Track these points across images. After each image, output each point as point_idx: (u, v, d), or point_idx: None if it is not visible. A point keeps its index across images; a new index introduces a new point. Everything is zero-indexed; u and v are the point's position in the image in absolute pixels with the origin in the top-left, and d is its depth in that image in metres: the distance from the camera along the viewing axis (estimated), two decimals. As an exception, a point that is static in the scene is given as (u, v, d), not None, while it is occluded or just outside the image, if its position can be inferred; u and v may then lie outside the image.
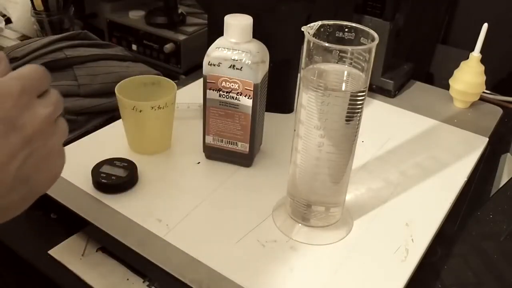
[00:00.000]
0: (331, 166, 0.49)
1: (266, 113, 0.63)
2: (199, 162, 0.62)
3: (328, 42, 0.43)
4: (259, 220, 0.54)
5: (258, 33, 0.67)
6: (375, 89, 0.78)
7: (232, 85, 0.56)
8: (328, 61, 0.44)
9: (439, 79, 0.86)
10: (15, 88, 0.31)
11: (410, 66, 0.83)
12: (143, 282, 0.50)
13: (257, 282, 0.47)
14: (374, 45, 0.43)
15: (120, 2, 1.01)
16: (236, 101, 0.57)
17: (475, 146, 0.69)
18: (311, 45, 0.44)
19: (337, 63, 0.44)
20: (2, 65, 0.32)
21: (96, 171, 0.57)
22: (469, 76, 0.74)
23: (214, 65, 0.55)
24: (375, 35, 0.44)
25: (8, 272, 0.58)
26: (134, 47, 0.96)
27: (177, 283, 0.47)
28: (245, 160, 0.61)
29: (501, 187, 0.65)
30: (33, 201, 0.35)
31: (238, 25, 0.55)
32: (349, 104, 0.45)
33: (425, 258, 0.52)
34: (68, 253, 0.52)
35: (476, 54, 0.74)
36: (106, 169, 0.57)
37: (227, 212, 0.55)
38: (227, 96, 0.57)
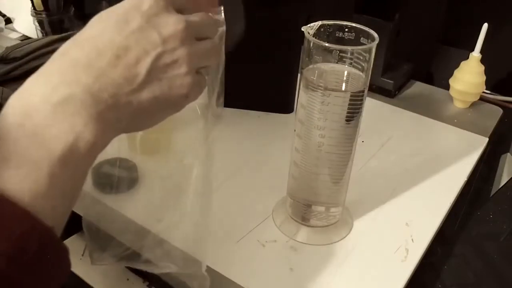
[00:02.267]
0: (331, 166, 0.49)
1: (266, 113, 0.63)
2: (199, 162, 0.62)
3: (328, 42, 0.43)
4: (259, 220, 0.54)
5: (258, 33, 0.67)
6: (375, 89, 0.78)
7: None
8: (328, 61, 0.44)
9: (439, 79, 0.86)
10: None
11: (410, 66, 0.83)
12: (143, 282, 0.50)
13: (257, 282, 0.47)
14: (374, 45, 0.43)
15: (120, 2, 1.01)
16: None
17: (475, 146, 0.69)
18: (311, 45, 0.44)
19: (337, 63, 0.44)
20: None
21: (96, 171, 0.57)
22: (469, 76, 0.74)
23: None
24: (375, 35, 0.44)
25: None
26: (134, 47, 0.96)
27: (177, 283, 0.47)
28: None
29: (501, 187, 0.65)
30: (165, 110, 0.37)
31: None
32: (349, 104, 0.45)
33: (425, 258, 0.52)
34: (68, 253, 0.52)
35: (476, 54, 0.74)
36: (106, 169, 0.57)
37: (227, 212, 0.55)
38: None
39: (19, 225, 0.27)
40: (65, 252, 0.30)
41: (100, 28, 0.33)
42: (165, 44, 0.34)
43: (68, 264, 0.30)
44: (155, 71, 0.34)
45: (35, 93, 0.30)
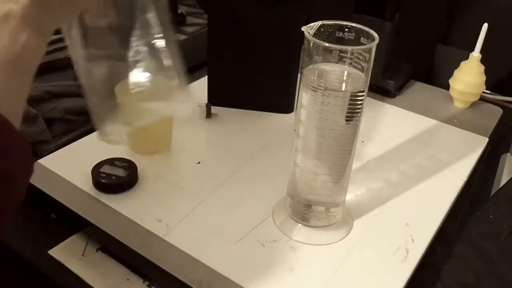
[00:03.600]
0: (331, 166, 0.49)
1: (266, 113, 0.63)
2: (199, 162, 0.62)
3: (328, 42, 0.43)
4: (259, 220, 0.54)
5: (258, 33, 0.67)
6: (375, 89, 0.78)
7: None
8: (328, 61, 0.44)
9: (439, 79, 0.86)
10: None
11: (410, 66, 0.83)
12: (143, 282, 0.50)
13: (257, 282, 0.47)
14: (374, 45, 0.43)
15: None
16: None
17: (475, 146, 0.69)
18: (311, 45, 0.44)
19: (337, 63, 0.44)
20: None
21: (96, 171, 0.57)
22: (469, 76, 0.74)
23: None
24: (375, 35, 0.44)
25: (8, 272, 0.58)
26: (134, 47, 0.96)
27: (177, 283, 0.47)
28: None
29: (501, 187, 0.65)
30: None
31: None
32: (349, 104, 0.45)
33: (425, 258, 0.52)
34: (68, 253, 0.52)
35: (476, 54, 0.74)
36: (106, 169, 0.57)
37: (227, 212, 0.55)
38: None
39: None
40: (23, 137, 0.33)
41: None
42: None
43: (27, 146, 0.33)
44: None
45: None
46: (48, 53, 0.74)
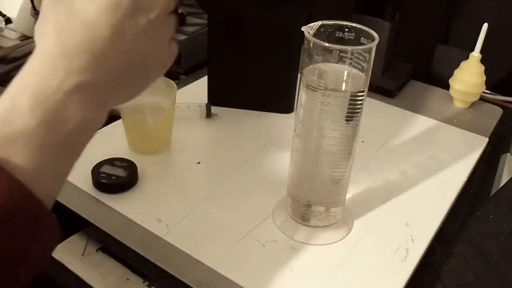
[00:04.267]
0: (331, 166, 0.49)
1: (266, 113, 0.63)
2: (199, 162, 0.62)
3: (328, 42, 0.43)
4: (259, 220, 0.54)
5: (258, 33, 0.67)
6: (375, 89, 0.78)
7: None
8: (328, 61, 0.44)
9: (439, 79, 0.86)
10: None
11: (410, 66, 0.83)
12: (143, 282, 0.50)
13: (257, 282, 0.47)
14: (374, 45, 0.43)
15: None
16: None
17: (475, 146, 0.69)
18: (311, 45, 0.44)
19: (337, 63, 0.44)
20: None
21: (96, 171, 0.57)
22: (469, 76, 0.74)
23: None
24: (375, 35, 0.44)
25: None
26: (134, 47, 0.96)
27: (177, 283, 0.47)
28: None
29: (501, 187, 0.65)
30: (148, 84, 0.38)
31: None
32: (349, 104, 0.45)
33: (425, 258, 0.52)
34: (68, 253, 0.52)
35: (476, 54, 0.74)
36: (106, 169, 0.57)
37: (227, 212, 0.55)
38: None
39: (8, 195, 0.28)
40: (53, 220, 0.31)
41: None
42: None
43: (55, 230, 0.32)
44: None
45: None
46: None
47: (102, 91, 0.33)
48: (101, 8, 0.32)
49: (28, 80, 0.31)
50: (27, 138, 0.29)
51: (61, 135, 0.31)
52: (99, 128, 0.35)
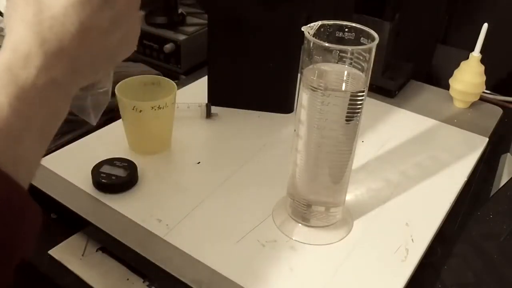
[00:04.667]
0: (331, 166, 0.49)
1: (266, 113, 0.63)
2: (199, 162, 0.62)
3: (328, 42, 0.43)
4: (259, 220, 0.54)
5: (258, 33, 0.67)
6: (375, 89, 0.78)
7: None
8: (328, 61, 0.44)
9: (439, 79, 0.86)
10: None
11: (410, 66, 0.83)
12: (143, 282, 0.50)
13: (257, 282, 0.47)
14: (374, 45, 0.43)
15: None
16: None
17: (475, 146, 0.69)
18: (311, 45, 0.44)
19: (337, 63, 0.44)
20: None
21: (96, 171, 0.57)
22: (469, 76, 0.74)
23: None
24: (375, 35, 0.44)
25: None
26: (134, 47, 0.96)
27: (177, 283, 0.47)
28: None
29: (501, 187, 0.65)
30: (114, 66, 0.40)
31: None
32: (349, 104, 0.45)
33: (425, 258, 0.52)
34: (68, 253, 0.52)
35: (476, 54, 0.74)
36: (106, 169, 0.57)
37: (227, 212, 0.55)
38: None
39: None
40: (36, 208, 0.32)
41: None
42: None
43: (38, 218, 0.32)
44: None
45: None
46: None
47: (70, 83, 0.35)
48: (69, 4, 0.33)
49: (3, 76, 0.32)
50: (7, 132, 0.31)
51: (37, 127, 0.32)
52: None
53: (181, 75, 0.91)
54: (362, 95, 0.45)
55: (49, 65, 0.32)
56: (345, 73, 0.45)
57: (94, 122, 0.45)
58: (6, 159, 0.30)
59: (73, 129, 0.71)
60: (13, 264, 0.31)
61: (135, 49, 0.41)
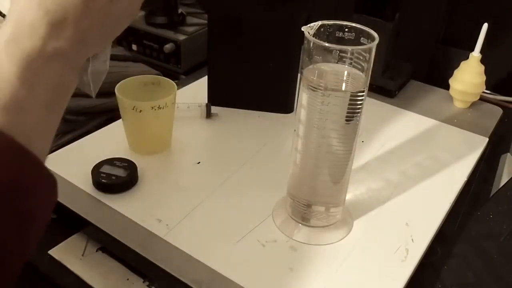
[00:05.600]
0: (331, 166, 0.49)
1: (266, 113, 0.63)
2: (199, 162, 0.62)
3: (328, 42, 0.43)
4: (259, 220, 0.54)
5: (258, 33, 0.67)
6: (375, 89, 0.78)
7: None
8: (328, 61, 0.44)
9: (439, 79, 0.86)
10: None
11: (410, 66, 0.83)
12: (143, 282, 0.50)
13: (257, 282, 0.47)
14: (374, 45, 0.43)
15: None
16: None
17: (475, 146, 0.69)
18: (311, 45, 0.44)
19: (337, 63, 0.44)
20: None
21: (96, 171, 0.57)
22: (469, 76, 0.74)
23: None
24: (375, 35, 0.44)
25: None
26: (134, 47, 0.96)
27: (177, 283, 0.47)
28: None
29: (501, 187, 0.65)
30: (117, 35, 0.39)
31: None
32: (349, 104, 0.45)
33: (425, 258, 0.52)
34: (68, 253, 0.52)
35: (476, 54, 0.74)
36: (106, 169, 0.57)
37: (227, 212, 0.55)
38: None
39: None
40: (52, 180, 0.32)
41: None
42: None
43: (55, 191, 0.32)
44: None
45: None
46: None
47: (76, 54, 0.34)
48: None
49: (10, 46, 0.32)
50: (19, 105, 0.31)
51: (45, 98, 0.32)
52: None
53: (181, 75, 0.91)
54: (362, 95, 0.45)
55: (54, 35, 0.32)
56: (345, 73, 0.45)
57: (93, 94, 0.44)
58: (18, 130, 0.30)
59: (73, 129, 0.71)
60: (33, 238, 0.31)
61: (137, 15, 0.40)
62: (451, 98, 0.78)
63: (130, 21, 0.39)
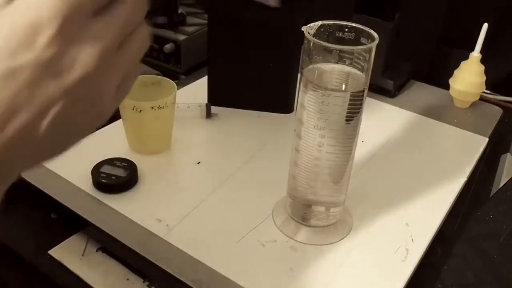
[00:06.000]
0: (331, 166, 0.49)
1: (266, 113, 0.63)
2: (199, 162, 0.62)
3: (328, 42, 0.43)
4: (259, 220, 0.54)
5: (258, 33, 0.67)
6: (375, 89, 0.78)
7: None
8: (328, 61, 0.44)
9: (439, 79, 0.86)
10: (53, 13, 0.22)
11: (410, 66, 0.83)
12: (143, 282, 0.50)
13: (257, 282, 0.47)
14: (374, 45, 0.43)
15: None
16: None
17: (475, 146, 0.69)
18: (311, 45, 0.44)
19: (337, 63, 0.44)
20: None
21: (96, 171, 0.57)
22: (469, 76, 0.74)
23: None
24: (375, 35, 0.44)
25: (8, 272, 0.58)
26: (134, 47, 0.96)
27: (177, 283, 0.47)
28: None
29: (501, 187, 0.65)
30: (76, 142, 0.30)
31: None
32: (349, 104, 0.45)
33: (425, 258, 0.52)
34: (68, 253, 0.52)
35: (476, 54, 0.74)
36: (106, 169, 0.57)
37: (227, 212, 0.55)
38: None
39: None
40: None
41: None
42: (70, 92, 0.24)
43: None
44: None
45: None
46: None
47: (11, 166, 0.26)
48: None
49: None
50: None
51: None
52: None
53: (181, 75, 0.91)
54: (362, 95, 0.45)
55: None
56: (345, 73, 0.45)
57: None
58: None
59: (73, 129, 0.71)
60: None
61: (113, 111, 0.30)
62: (451, 98, 0.78)
63: (108, 114, 0.29)
